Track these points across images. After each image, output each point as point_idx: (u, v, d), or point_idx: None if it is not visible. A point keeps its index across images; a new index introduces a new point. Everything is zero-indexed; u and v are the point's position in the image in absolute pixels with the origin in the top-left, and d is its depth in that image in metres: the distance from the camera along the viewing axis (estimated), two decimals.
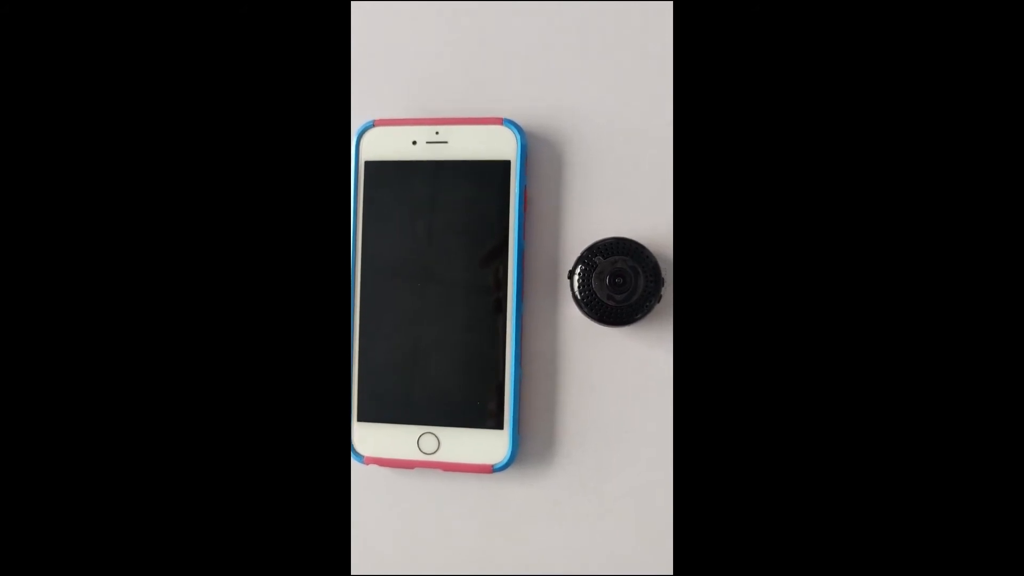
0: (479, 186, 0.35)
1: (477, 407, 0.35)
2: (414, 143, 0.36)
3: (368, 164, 0.36)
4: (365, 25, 0.37)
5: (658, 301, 0.33)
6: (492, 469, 0.35)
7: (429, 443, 0.35)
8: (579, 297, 0.34)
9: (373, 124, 0.36)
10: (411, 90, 0.37)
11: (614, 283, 0.33)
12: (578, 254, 0.34)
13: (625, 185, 0.35)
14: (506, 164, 0.35)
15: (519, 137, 0.35)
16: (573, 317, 0.35)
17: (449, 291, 0.35)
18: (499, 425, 0.35)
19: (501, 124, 0.35)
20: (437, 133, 0.36)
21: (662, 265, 0.34)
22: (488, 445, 0.35)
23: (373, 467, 0.36)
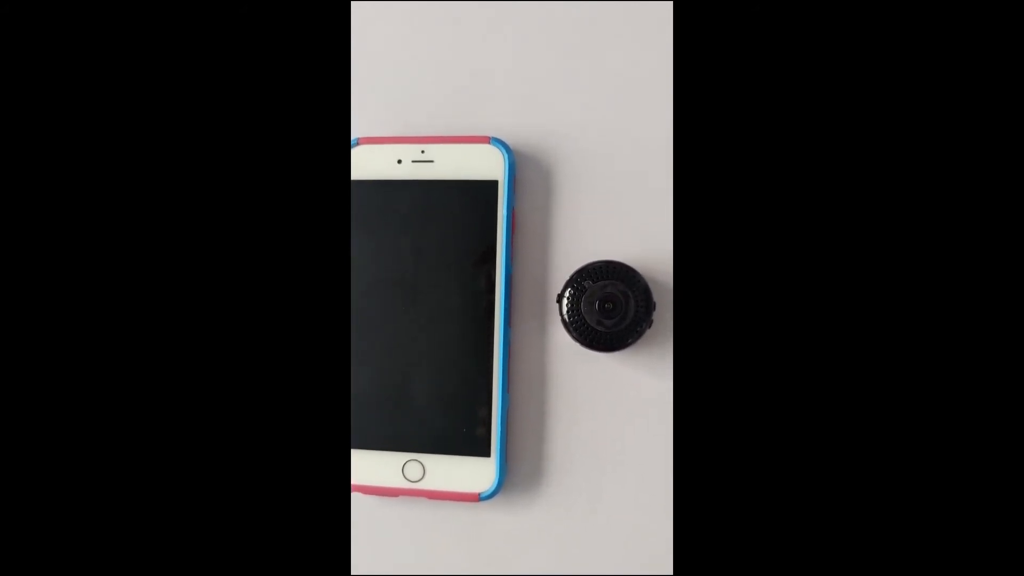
0: (466, 206, 0.34)
1: (463, 433, 0.34)
2: (399, 162, 0.35)
3: (352, 183, 0.35)
4: (351, 41, 0.36)
5: (649, 326, 0.33)
6: (479, 497, 0.34)
7: (414, 470, 0.34)
8: (568, 321, 0.33)
9: (357, 142, 0.35)
10: (396, 107, 0.36)
11: (604, 308, 0.32)
12: (567, 277, 0.33)
13: (615, 206, 0.34)
14: (493, 184, 0.34)
15: (507, 156, 0.34)
16: (562, 342, 0.35)
17: (435, 314, 0.34)
18: (486, 452, 0.34)
19: (488, 143, 0.34)
20: (423, 152, 0.35)
21: (653, 289, 0.33)
22: (475, 473, 0.34)
23: (357, 495, 0.35)
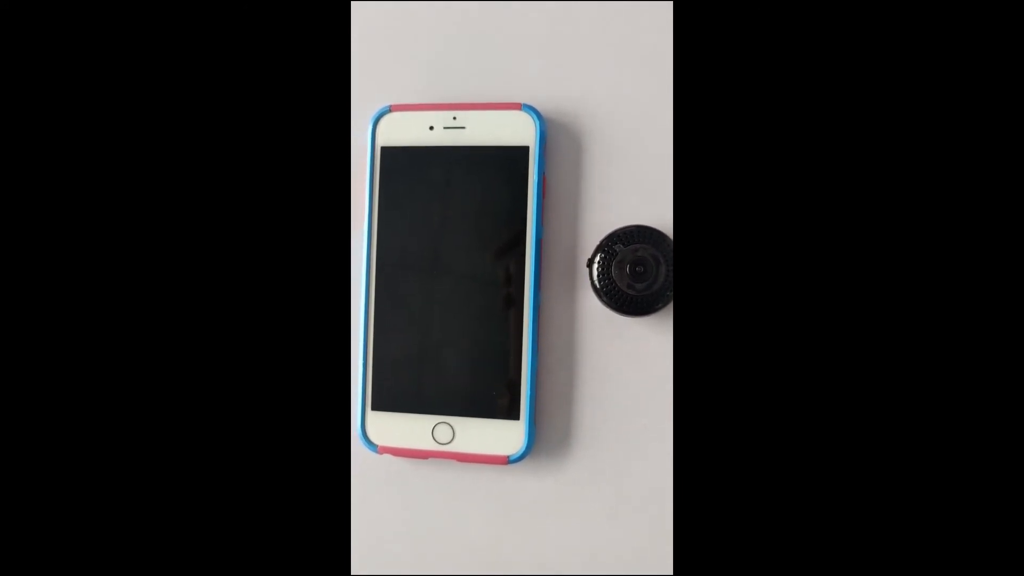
0: (497, 172, 0.35)
1: (493, 397, 0.34)
2: (431, 128, 0.35)
3: (384, 150, 0.35)
4: (382, 8, 0.37)
5: None
6: (507, 460, 0.34)
7: (444, 433, 0.35)
8: (598, 286, 0.33)
9: (389, 109, 0.36)
10: (428, 74, 0.36)
11: (634, 272, 0.33)
12: (597, 242, 0.34)
13: (646, 172, 0.35)
14: (524, 150, 0.34)
15: (538, 123, 0.34)
16: (591, 307, 0.35)
17: (466, 279, 0.35)
18: (515, 416, 0.34)
19: (520, 109, 0.35)
20: (454, 118, 0.35)
21: None
22: (504, 436, 0.34)
23: (387, 456, 0.36)
